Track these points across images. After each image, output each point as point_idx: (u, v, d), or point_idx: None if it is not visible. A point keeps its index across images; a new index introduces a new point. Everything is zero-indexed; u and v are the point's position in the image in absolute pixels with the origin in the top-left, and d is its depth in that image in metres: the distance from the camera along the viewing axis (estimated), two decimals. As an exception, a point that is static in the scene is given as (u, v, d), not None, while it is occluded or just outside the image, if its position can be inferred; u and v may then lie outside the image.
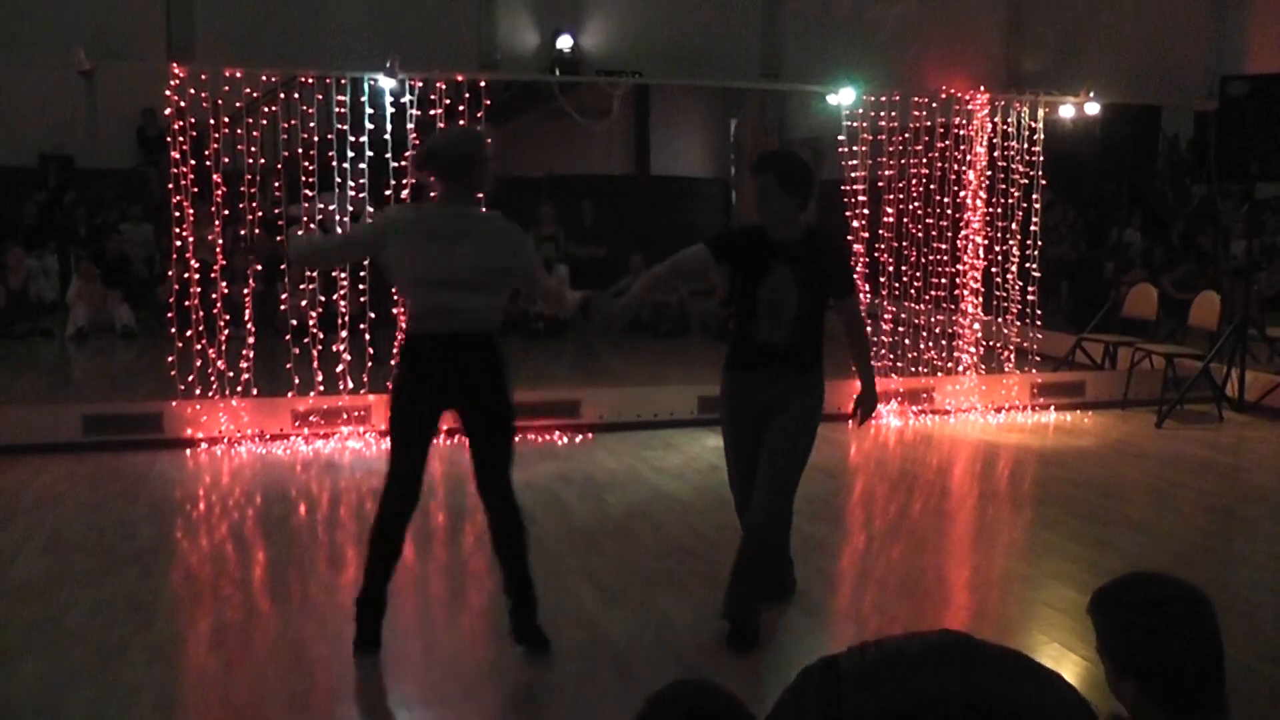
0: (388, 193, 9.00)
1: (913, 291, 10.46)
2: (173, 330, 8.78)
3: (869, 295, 10.20)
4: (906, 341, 10.49)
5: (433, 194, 5.20)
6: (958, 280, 10.54)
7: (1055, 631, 5.30)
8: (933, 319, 10.61)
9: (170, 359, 8.77)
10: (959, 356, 10.57)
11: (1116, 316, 11.67)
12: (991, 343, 10.86)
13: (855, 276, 6.15)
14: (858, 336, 5.31)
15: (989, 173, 10.50)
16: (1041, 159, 10.51)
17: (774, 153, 5.63)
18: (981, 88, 10.31)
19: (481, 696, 4.72)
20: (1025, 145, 10.48)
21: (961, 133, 10.39)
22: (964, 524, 7.35)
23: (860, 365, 5.32)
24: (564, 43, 8.93)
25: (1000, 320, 10.82)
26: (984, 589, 6.10)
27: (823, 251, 5.13)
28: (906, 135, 10.27)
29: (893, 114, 10.04)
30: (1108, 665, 2.28)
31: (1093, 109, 10.63)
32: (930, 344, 10.54)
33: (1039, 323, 10.80)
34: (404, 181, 8.90)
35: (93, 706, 4.43)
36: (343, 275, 9.02)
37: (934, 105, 10.20)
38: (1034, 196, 10.57)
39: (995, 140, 10.47)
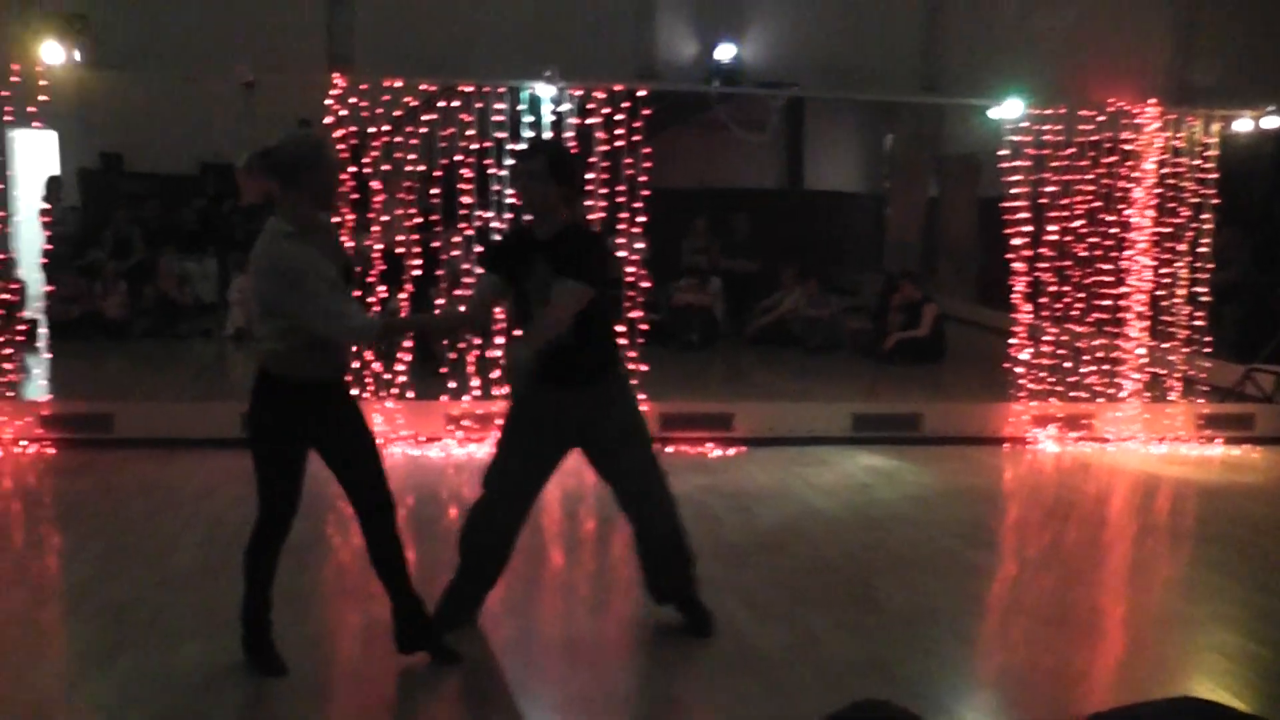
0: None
1: (1075, 313, 10.12)
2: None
3: (1031, 315, 9.90)
4: (1067, 365, 10.13)
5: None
6: (1122, 303, 10.17)
7: (1220, 678, 5.02)
8: (1095, 343, 10.25)
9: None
10: (1121, 383, 10.20)
11: (1290, 346, 11.09)
12: (1156, 370, 10.44)
13: (609, 270, 5.60)
14: (553, 311, 4.71)
15: (1158, 191, 10.12)
16: (1215, 177, 10.10)
17: (546, 140, 5.20)
18: (1152, 100, 9.95)
19: (630, 705, 4.70)
20: (1197, 162, 10.08)
21: (1130, 148, 10.03)
22: (1121, 557, 7.05)
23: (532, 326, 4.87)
24: (724, 53, 8.85)
25: (1166, 346, 10.41)
26: (1140, 627, 5.83)
27: (577, 244, 4.77)
28: (1072, 150, 9.95)
29: (1058, 128, 9.76)
30: None
31: (1270, 124, 10.17)
32: (1092, 369, 10.19)
33: (1207, 350, 10.37)
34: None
35: (250, 691, 4.56)
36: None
37: (1101, 119, 9.88)
38: (1204, 216, 10.15)
39: (1165, 157, 10.09)
